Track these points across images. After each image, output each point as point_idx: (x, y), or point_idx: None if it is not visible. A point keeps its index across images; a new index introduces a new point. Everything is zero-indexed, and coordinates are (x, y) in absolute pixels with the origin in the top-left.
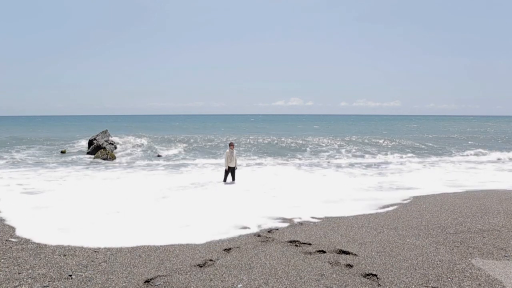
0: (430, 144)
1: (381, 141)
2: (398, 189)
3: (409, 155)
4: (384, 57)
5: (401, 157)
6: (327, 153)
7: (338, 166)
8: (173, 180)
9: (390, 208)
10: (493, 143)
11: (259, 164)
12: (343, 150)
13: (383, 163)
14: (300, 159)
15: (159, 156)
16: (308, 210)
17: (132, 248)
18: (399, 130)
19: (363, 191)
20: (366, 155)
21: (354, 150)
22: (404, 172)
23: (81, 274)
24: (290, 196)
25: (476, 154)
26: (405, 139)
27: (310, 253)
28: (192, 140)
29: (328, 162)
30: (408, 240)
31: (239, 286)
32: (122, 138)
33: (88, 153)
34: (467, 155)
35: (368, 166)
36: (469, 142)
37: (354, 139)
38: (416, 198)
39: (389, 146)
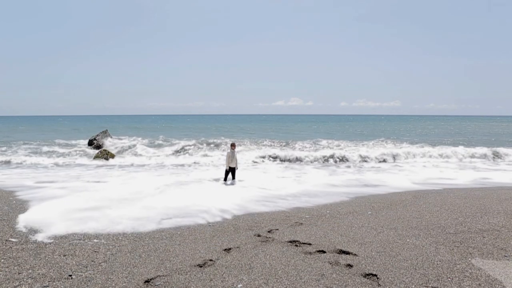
0: (416, 144)
1: (370, 142)
2: (366, 186)
3: (394, 153)
4: (384, 57)
5: (384, 156)
6: (319, 152)
7: (326, 165)
8: (171, 178)
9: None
10: (477, 143)
11: (255, 163)
12: (332, 150)
13: (367, 162)
14: (292, 159)
15: (158, 155)
16: (285, 201)
17: (132, 248)
18: (392, 130)
19: (333, 187)
20: (354, 155)
21: (343, 150)
22: (380, 170)
23: (81, 274)
24: (275, 192)
25: (452, 153)
26: (397, 139)
27: (310, 253)
28: (191, 140)
29: (318, 161)
30: (408, 240)
31: (239, 286)
32: (122, 138)
33: (88, 153)
34: (448, 150)
35: (354, 165)
36: (456, 142)
37: (345, 139)
38: (415, 198)
39: (377, 146)
